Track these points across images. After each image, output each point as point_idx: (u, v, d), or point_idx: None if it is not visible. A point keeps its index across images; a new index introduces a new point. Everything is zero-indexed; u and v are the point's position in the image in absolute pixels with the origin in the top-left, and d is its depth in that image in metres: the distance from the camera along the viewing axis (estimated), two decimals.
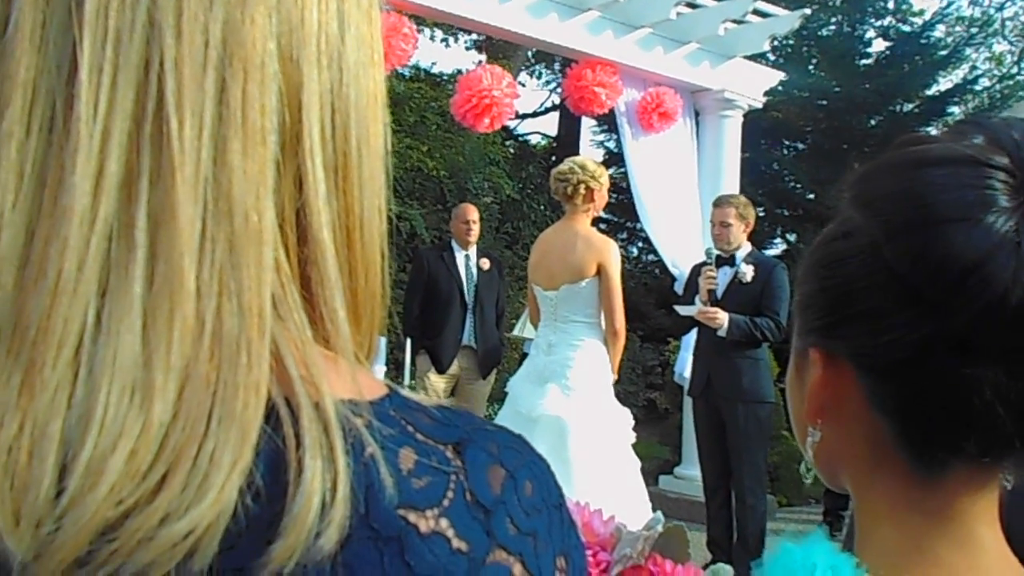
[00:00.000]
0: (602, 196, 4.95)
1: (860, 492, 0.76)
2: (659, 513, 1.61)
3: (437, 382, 6.33)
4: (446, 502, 0.45)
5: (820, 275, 0.76)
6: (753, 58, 7.44)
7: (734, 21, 6.97)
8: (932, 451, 0.70)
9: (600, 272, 4.76)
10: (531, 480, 0.48)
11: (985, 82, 15.52)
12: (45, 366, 0.38)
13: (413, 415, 0.47)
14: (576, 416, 4.61)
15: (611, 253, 4.79)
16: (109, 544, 0.38)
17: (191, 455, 0.40)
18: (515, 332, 6.71)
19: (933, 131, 0.76)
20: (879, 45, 15.01)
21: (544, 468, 0.50)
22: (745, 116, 7.52)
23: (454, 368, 6.41)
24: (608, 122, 13.23)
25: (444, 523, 0.44)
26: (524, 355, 5.99)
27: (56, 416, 0.38)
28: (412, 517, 0.44)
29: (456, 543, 0.44)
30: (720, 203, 5.41)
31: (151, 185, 0.41)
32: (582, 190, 4.83)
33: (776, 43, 8.78)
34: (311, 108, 0.47)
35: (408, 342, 6.47)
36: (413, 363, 6.44)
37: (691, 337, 5.90)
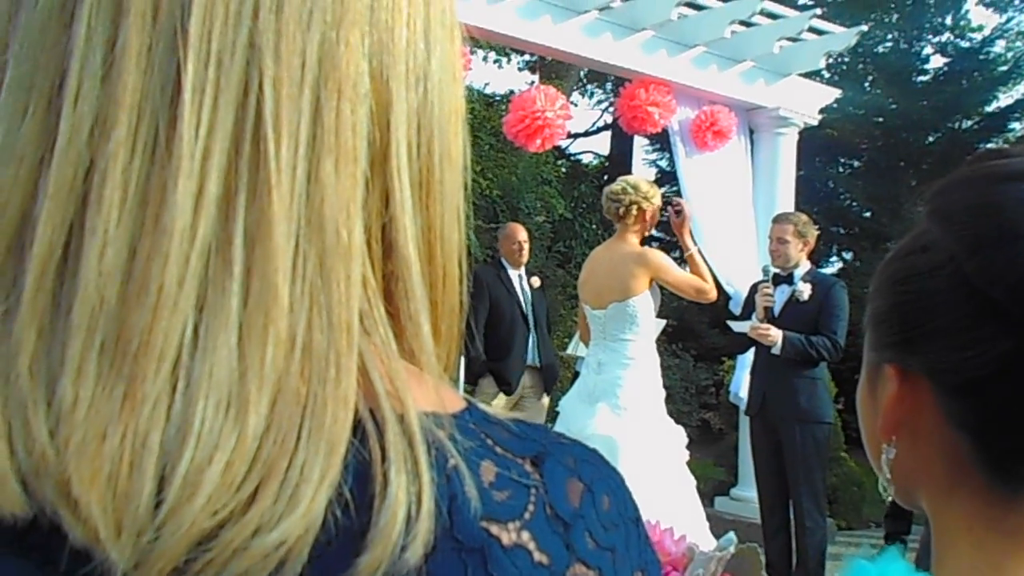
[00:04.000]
0: (653, 216, 4.93)
1: (936, 510, 0.75)
2: (731, 534, 1.60)
3: (501, 401, 6.34)
4: (527, 515, 0.45)
5: (896, 290, 0.75)
6: (808, 75, 7.37)
7: (789, 39, 6.92)
8: (1013, 469, 0.69)
9: (655, 283, 4.75)
10: (608, 494, 0.48)
11: None
12: (146, 379, 0.39)
13: (492, 428, 0.48)
14: (627, 435, 4.58)
15: (657, 263, 4.78)
16: (205, 554, 0.39)
17: (283, 468, 0.40)
18: (568, 351, 6.69)
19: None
20: (937, 61, 14.81)
21: (620, 482, 0.50)
22: (800, 134, 7.45)
23: (520, 388, 6.43)
24: (661, 141, 13.19)
25: (526, 536, 0.44)
26: (576, 374, 5.98)
27: (156, 428, 0.39)
28: (495, 529, 0.44)
29: (538, 556, 0.44)
30: (779, 219, 5.36)
31: (248, 203, 0.42)
32: (634, 211, 4.82)
33: (832, 60, 8.70)
34: (399, 126, 0.47)
35: (462, 361, 6.48)
36: (472, 383, 6.44)
37: (746, 356, 5.84)
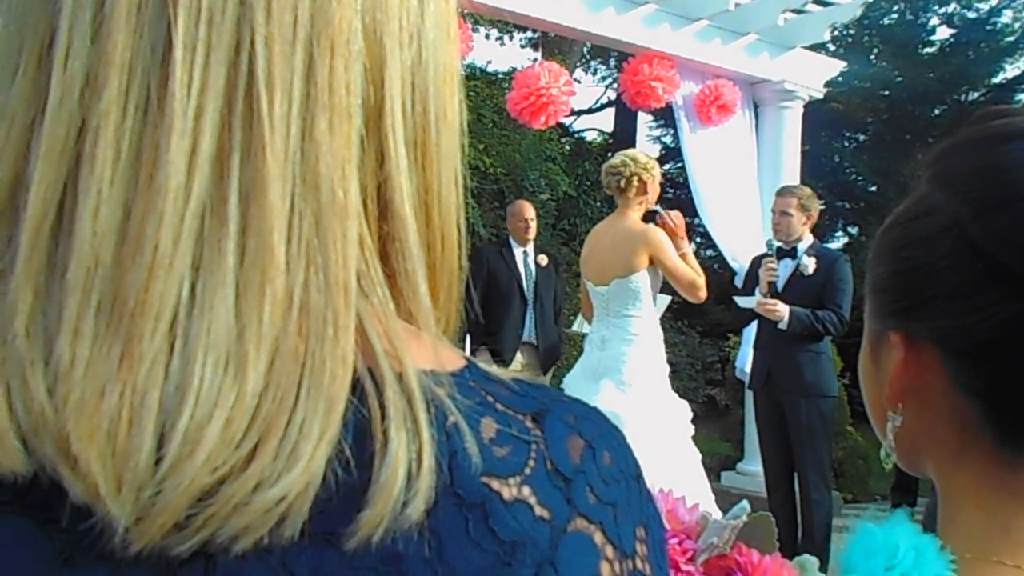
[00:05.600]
0: (654, 188, 4.90)
1: (944, 475, 0.75)
2: (745, 502, 1.60)
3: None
4: (527, 470, 0.45)
5: (898, 256, 0.74)
6: (813, 48, 7.32)
7: (794, 11, 6.87)
8: (1021, 431, 0.69)
9: (654, 263, 4.73)
10: (609, 451, 0.49)
11: None
12: (143, 338, 0.39)
13: (492, 386, 0.48)
14: (632, 411, 4.57)
15: (658, 242, 4.74)
16: (206, 509, 0.39)
17: (282, 425, 0.41)
18: (574, 328, 6.70)
19: None
20: (943, 33, 14.68)
21: (621, 439, 0.51)
22: (805, 107, 7.40)
23: (515, 364, 6.44)
24: (665, 116, 13.14)
25: (526, 491, 0.45)
26: (581, 351, 6.00)
27: (154, 386, 0.39)
28: (495, 485, 0.44)
29: (539, 511, 0.45)
30: (783, 192, 5.34)
31: (242, 161, 0.42)
32: (635, 183, 4.80)
33: (837, 32, 8.63)
34: (393, 84, 0.47)
35: (468, 338, 6.50)
36: (471, 354, 6.46)
37: (751, 331, 5.83)
